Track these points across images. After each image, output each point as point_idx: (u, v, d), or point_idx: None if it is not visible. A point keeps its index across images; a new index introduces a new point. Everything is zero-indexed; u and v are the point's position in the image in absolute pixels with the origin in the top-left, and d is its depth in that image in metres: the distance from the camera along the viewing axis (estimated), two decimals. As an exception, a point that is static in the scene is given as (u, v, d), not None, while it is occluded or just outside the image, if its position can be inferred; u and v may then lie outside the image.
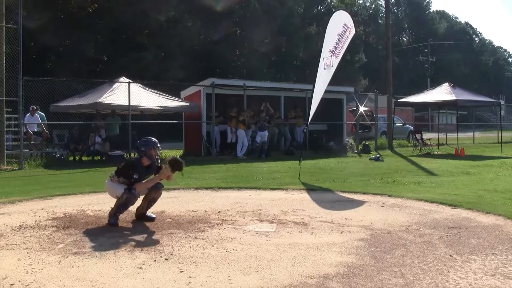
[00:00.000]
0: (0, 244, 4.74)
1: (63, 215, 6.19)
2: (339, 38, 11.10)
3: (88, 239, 4.91)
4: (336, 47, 11.04)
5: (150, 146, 5.65)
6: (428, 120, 39.30)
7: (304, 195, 7.98)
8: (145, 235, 5.10)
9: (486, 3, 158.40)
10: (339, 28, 11.16)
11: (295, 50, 45.98)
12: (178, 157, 5.95)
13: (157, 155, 5.78)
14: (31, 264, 4.06)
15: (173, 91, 18.73)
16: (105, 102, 14.70)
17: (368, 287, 3.53)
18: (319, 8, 58.44)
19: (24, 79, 12.86)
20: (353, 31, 11.45)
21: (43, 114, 15.67)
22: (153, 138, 5.74)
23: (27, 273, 3.84)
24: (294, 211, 6.46)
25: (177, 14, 36.42)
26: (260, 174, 11.07)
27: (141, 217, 5.87)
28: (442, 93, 19.44)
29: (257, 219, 5.93)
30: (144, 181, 5.72)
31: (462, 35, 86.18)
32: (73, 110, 16.11)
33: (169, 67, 33.07)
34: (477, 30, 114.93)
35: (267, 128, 16.56)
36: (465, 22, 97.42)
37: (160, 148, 5.79)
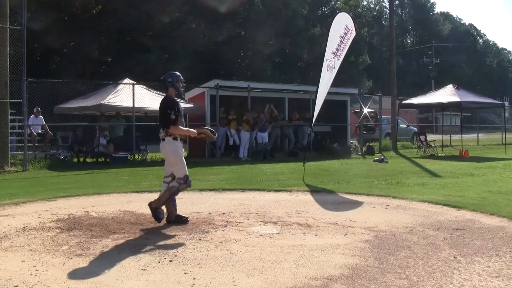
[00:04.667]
0: (4, 246, 4.76)
1: (67, 216, 6.20)
2: (341, 40, 11.11)
3: (92, 241, 4.92)
4: (338, 49, 11.05)
5: (176, 77, 5.85)
6: (432, 121, 39.15)
7: (308, 197, 7.97)
8: (149, 237, 5.10)
9: (490, 4, 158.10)
10: (341, 30, 11.16)
11: (299, 51, 45.87)
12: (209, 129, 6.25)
13: (182, 88, 5.98)
14: (35, 266, 4.07)
15: (178, 93, 18.72)
16: (109, 103, 14.74)
17: (372, 289, 3.53)
18: (323, 9, 58.38)
19: (28, 81, 12.89)
20: (354, 33, 11.44)
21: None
22: (177, 72, 5.94)
23: (31, 274, 3.85)
24: (298, 213, 6.46)
25: (181, 15, 36.43)
26: (264, 175, 11.07)
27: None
28: (446, 94, 19.42)
29: (261, 221, 5.93)
30: (184, 128, 5.90)
31: (466, 37, 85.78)
32: (77, 112, 16.16)
33: (173, 68, 32.76)
34: (481, 31, 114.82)
35: (267, 129, 16.52)
36: (469, 24, 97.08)
37: (183, 81, 5.97)
